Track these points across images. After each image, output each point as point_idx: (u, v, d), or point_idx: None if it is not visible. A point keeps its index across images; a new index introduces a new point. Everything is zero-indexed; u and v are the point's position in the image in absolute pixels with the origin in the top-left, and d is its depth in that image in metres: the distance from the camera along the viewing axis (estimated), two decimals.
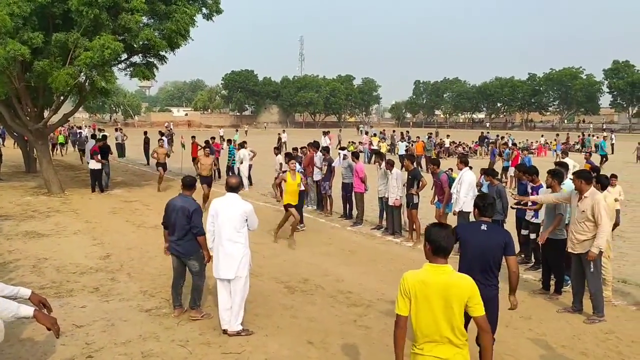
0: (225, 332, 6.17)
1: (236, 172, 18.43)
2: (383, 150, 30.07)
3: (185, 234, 6.50)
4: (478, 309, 3.43)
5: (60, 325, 3.91)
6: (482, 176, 10.34)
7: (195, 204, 6.63)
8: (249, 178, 18.95)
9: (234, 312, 6.16)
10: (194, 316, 6.66)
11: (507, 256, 4.88)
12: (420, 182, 11.01)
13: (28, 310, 3.69)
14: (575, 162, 15.24)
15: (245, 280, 6.22)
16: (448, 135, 38.20)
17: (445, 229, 3.62)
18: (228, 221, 6.11)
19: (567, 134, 46.37)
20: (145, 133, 28.34)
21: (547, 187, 8.44)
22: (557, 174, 8.14)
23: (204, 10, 17.14)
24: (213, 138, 23.97)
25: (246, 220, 6.21)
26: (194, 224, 6.43)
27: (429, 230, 3.62)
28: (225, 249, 6.10)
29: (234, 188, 6.34)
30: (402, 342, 3.53)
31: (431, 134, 35.27)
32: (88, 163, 17.70)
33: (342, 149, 17.10)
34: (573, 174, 7.29)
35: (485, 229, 4.89)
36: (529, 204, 8.52)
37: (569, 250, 7.03)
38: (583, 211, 6.75)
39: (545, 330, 6.52)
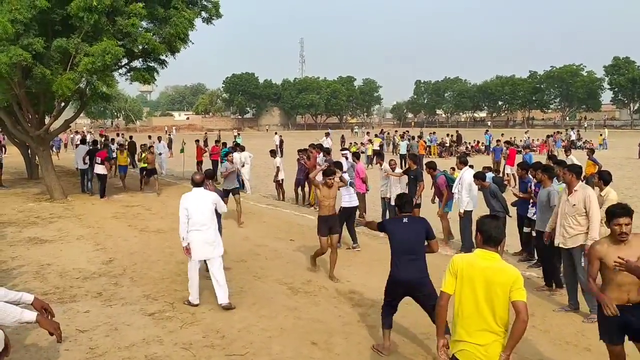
0: (189, 302, 7.21)
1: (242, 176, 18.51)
2: (375, 146, 30.13)
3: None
4: (519, 294, 3.57)
5: (63, 330, 3.92)
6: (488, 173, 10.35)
7: (214, 193, 7.69)
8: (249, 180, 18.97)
9: (223, 288, 7.11)
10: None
11: (428, 240, 5.72)
12: (419, 186, 11.08)
13: (31, 315, 3.70)
14: (577, 159, 15.18)
15: (221, 259, 7.28)
16: (448, 134, 38.17)
17: (497, 219, 3.95)
18: (202, 211, 7.07)
19: (554, 132, 45.92)
20: (150, 137, 28.79)
21: (537, 182, 8.50)
22: (547, 169, 8.17)
23: (204, 14, 17.20)
24: (217, 141, 23.95)
25: (215, 206, 7.24)
26: (219, 204, 7.49)
27: (482, 221, 3.89)
28: (202, 234, 7.05)
29: (199, 183, 7.27)
30: (443, 318, 3.87)
31: (433, 133, 35.32)
32: (76, 167, 19.58)
33: (344, 149, 17.05)
34: (564, 167, 7.32)
35: (406, 221, 5.73)
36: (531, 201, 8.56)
37: (560, 245, 7.03)
38: (574, 205, 6.76)
39: (548, 327, 6.51)
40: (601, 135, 42.91)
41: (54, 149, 34.62)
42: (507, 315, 3.62)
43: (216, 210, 7.38)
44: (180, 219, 7.09)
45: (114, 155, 21.10)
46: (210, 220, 7.11)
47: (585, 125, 74.20)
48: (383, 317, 5.85)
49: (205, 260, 7.23)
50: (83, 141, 22.08)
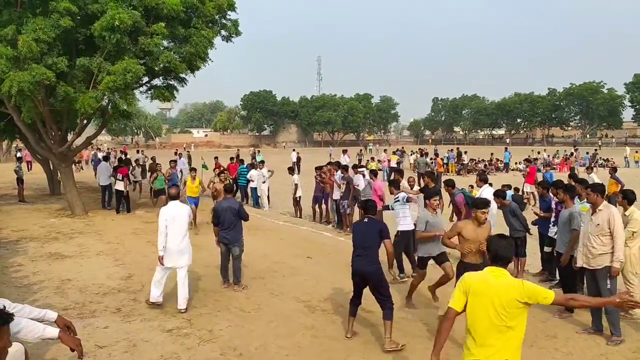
0: (153, 303, 7.78)
1: (258, 192, 18.63)
2: (393, 163, 30.15)
3: (232, 227, 8.73)
4: (548, 299, 3.64)
5: (84, 346, 3.96)
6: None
7: (238, 203, 9.33)
8: (268, 198, 19.06)
9: (184, 295, 7.73)
10: (237, 289, 8.73)
11: (383, 240, 6.58)
12: (440, 204, 10.93)
13: (53, 331, 3.77)
14: (598, 178, 14.97)
15: (186, 269, 7.94)
16: (466, 152, 37.93)
17: (506, 239, 4.01)
18: (179, 223, 7.78)
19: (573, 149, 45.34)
20: (175, 152, 30.80)
21: (559, 202, 8.38)
22: (569, 188, 8.06)
23: (223, 32, 17.45)
24: (232, 158, 24.09)
25: (189, 217, 8.11)
26: (242, 215, 8.84)
27: (490, 240, 4.00)
28: (179, 244, 7.74)
29: (175, 197, 8.04)
30: (446, 335, 3.83)
31: (452, 150, 35.15)
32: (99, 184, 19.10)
33: (361, 167, 17.04)
34: (586, 187, 7.21)
35: (367, 221, 6.78)
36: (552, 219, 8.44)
37: (583, 265, 6.88)
38: (598, 224, 6.64)
39: (571, 349, 6.38)
40: (597, 151, 42.30)
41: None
42: (521, 332, 3.64)
43: (237, 215, 8.69)
44: (160, 229, 7.68)
45: (180, 178, 20.35)
46: (184, 230, 7.84)
47: (600, 143, 72.96)
48: (350, 306, 6.78)
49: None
50: (106, 158, 22.39)
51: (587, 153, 42.58)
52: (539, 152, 40.87)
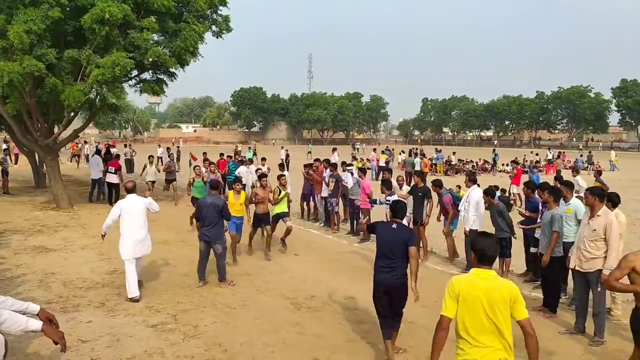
0: (132, 299, 7.83)
1: (246, 189, 18.56)
2: (381, 162, 30.26)
3: (214, 224, 8.55)
4: (522, 313, 3.62)
5: (66, 340, 3.92)
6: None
7: (222, 200, 8.91)
8: None
9: (136, 284, 7.95)
10: (223, 286, 8.65)
11: (409, 247, 5.82)
12: (429, 204, 11.00)
13: (37, 324, 3.73)
14: (585, 181, 15.12)
15: (142, 259, 8.38)
16: (454, 153, 38.15)
17: (490, 238, 3.90)
18: (136, 215, 8.07)
19: (559, 152, 45.72)
20: (168, 149, 31.46)
21: (543, 203, 8.46)
22: (555, 190, 8.12)
23: (214, 28, 17.35)
24: (221, 154, 23.98)
25: (148, 209, 8.29)
26: (225, 213, 8.69)
27: (475, 239, 3.87)
28: (136, 235, 8.06)
29: (132, 190, 8.34)
30: (442, 344, 3.75)
31: (439, 150, 35.31)
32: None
33: (349, 165, 17.05)
34: (587, 190, 7.25)
35: (395, 227, 5.98)
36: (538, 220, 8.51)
37: (575, 267, 6.94)
38: (594, 230, 6.65)
39: (554, 349, 6.44)
40: (592, 154, 42.88)
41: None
42: (510, 331, 3.65)
43: (220, 213, 8.59)
44: (110, 214, 8.21)
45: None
46: (142, 222, 8.17)
47: (581, 147, 74.34)
48: (381, 327, 6.06)
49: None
50: (98, 152, 22.22)
51: (581, 156, 42.95)
52: (537, 154, 41.24)
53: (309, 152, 47.14)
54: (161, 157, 36.50)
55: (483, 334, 3.61)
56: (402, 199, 8.94)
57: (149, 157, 19.96)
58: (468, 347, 3.66)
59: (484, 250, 3.74)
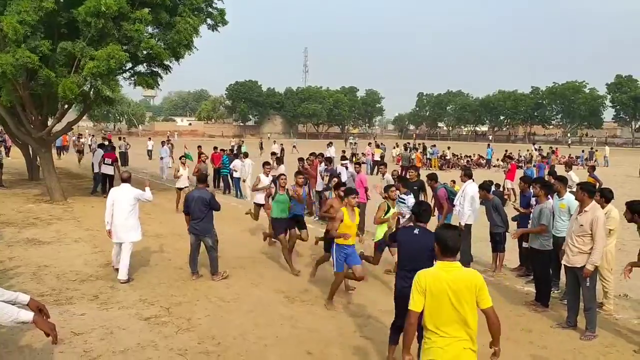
0: (117, 269, 8.53)
1: (240, 182, 18.55)
2: (376, 156, 30.33)
3: (202, 218, 8.57)
4: (486, 302, 3.73)
5: (59, 332, 3.91)
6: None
7: (209, 193, 8.89)
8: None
9: (125, 268, 8.40)
10: (216, 278, 8.66)
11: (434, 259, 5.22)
12: (423, 197, 11.01)
13: (28, 315, 3.70)
14: (578, 176, 15.18)
15: (132, 245, 8.66)
16: (449, 147, 38.25)
17: (453, 229, 4.01)
18: (126, 203, 8.54)
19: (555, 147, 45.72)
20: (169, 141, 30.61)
21: (534, 197, 8.50)
22: (546, 184, 8.15)
23: (209, 21, 17.27)
24: (215, 148, 23.91)
25: (138, 199, 8.71)
26: (214, 205, 8.67)
27: (438, 231, 4.01)
28: (126, 221, 8.52)
29: (127, 180, 8.86)
30: (412, 336, 3.87)
31: (434, 145, 35.38)
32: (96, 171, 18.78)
33: (344, 159, 17.05)
34: (577, 184, 7.27)
35: (417, 232, 5.38)
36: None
37: (564, 263, 7.00)
38: (581, 225, 6.69)
39: (546, 343, 6.48)
40: (593, 150, 42.92)
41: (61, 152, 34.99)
42: (476, 321, 3.74)
43: (212, 210, 8.65)
44: (107, 205, 8.63)
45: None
46: (129, 210, 8.57)
47: (570, 142, 75.20)
48: (391, 332, 5.68)
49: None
50: (101, 145, 22.06)
51: (583, 151, 43.01)
52: (540, 149, 41.26)
53: (294, 147, 47.03)
54: (151, 151, 36.34)
55: (449, 324, 3.71)
56: (426, 201, 8.65)
57: (181, 157, 16.81)
58: (434, 337, 3.76)
59: (447, 242, 3.82)
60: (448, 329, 3.70)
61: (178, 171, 15.78)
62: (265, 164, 12.53)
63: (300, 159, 15.88)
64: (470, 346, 3.72)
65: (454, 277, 3.73)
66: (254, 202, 12.22)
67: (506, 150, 30.89)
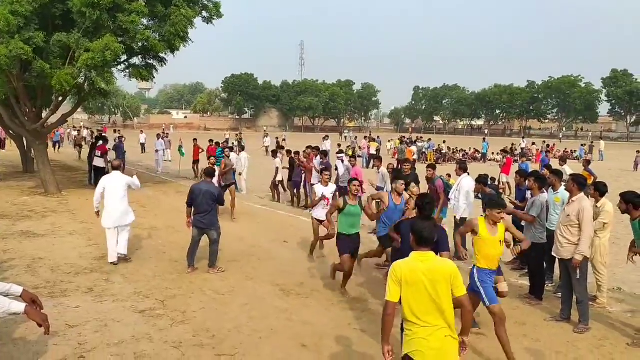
0: (113, 263, 8.91)
1: (235, 176, 18.47)
2: (372, 150, 30.36)
3: (209, 211, 8.59)
4: (460, 290, 3.82)
5: (53, 325, 3.91)
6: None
7: (218, 188, 9.21)
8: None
9: (122, 246, 9.03)
10: (212, 272, 8.69)
11: (440, 252, 5.35)
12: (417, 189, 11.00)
13: (20, 306, 3.69)
14: (572, 170, 15.22)
15: (130, 226, 9.26)
16: (444, 141, 38.30)
17: (428, 221, 4.13)
18: (117, 189, 8.97)
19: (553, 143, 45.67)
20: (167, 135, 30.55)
21: (528, 190, 8.53)
22: (540, 178, 8.17)
23: (204, 13, 17.17)
24: (211, 140, 23.85)
25: (129, 186, 9.15)
26: (221, 200, 8.97)
27: (414, 222, 4.11)
28: (117, 206, 8.94)
29: (117, 168, 9.38)
30: (389, 327, 3.88)
31: (429, 139, 35.41)
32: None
33: (340, 152, 17.04)
34: (570, 176, 7.30)
35: None
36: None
37: (554, 254, 7.04)
38: (568, 215, 6.74)
39: (539, 336, 6.51)
40: (593, 144, 43.01)
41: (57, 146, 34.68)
42: (452, 310, 3.82)
43: (216, 201, 8.71)
44: (97, 189, 9.11)
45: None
46: (122, 195, 9.03)
47: (561, 136, 75.64)
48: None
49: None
50: (97, 138, 21.98)
51: (582, 145, 43.07)
52: (545, 143, 41.23)
53: (284, 140, 46.80)
54: (144, 144, 36.16)
55: (428, 314, 3.76)
56: (429, 194, 8.22)
57: (224, 149, 16.20)
58: (415, 328, 3.79)
59: (422, 233, 3.89)
60: (428, 317, 3.75)
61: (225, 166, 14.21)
62: (324, 170, 10.43)
63: (295, 152, 15.84)
64: (450, 334, 3.78)
65: (429, 267, 3.79)
66: (313, 217, 10.15)
67: (506, 147, 30.98)
